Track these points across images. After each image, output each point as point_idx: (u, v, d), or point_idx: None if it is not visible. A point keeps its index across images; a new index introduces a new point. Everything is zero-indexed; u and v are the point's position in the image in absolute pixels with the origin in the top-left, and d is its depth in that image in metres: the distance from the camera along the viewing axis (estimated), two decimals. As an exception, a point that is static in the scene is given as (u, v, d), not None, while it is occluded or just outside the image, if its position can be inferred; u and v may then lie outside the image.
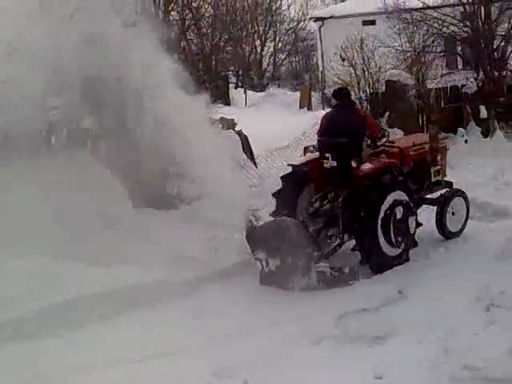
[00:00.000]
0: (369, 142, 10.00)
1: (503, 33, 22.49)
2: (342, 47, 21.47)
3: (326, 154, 9.71)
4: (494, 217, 11.09)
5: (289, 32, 47.26)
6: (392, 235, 9.19)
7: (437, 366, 6.14)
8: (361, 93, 19.23)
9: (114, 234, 9.60)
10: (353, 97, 19.03)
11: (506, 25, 22.47)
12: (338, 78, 20.55)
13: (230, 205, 9.71)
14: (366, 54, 20.16)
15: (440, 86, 21.11)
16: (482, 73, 21.86)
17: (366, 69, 19.63)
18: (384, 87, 19.43)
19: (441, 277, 8.61)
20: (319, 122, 10.51)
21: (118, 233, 9.63)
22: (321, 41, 34.98)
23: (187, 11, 10.09)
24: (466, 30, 22.99)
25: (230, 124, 15.37)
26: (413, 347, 6.54)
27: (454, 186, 10.99)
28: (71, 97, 10.24)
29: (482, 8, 22.57)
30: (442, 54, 23.27)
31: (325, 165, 9.71)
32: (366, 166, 9.37)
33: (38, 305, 7.71)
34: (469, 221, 10.54)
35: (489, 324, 6.91)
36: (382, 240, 9.16)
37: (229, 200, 9.33)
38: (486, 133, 18.86)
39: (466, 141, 18.04)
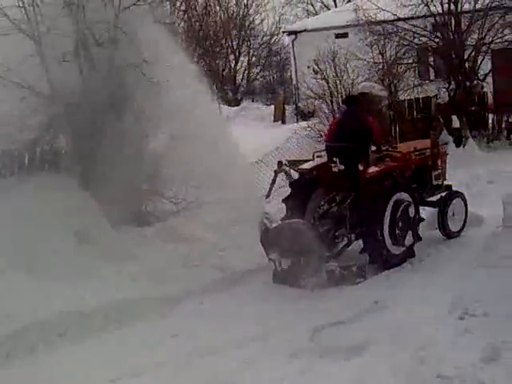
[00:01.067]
0: (374, 147, 10.34)
1: (473, 43, 22.75)
2: (314, 60, 21.62)
3: (334, 159, 10.16)
4: (468, 225, 11.15)
5: (262, 46, 47.42)
6: (397, 234, 9.73)
7: (412, 376, 6.16)
8: (334, 105, 19.32)
9: (90, 251, 9.55)
10: (326, 110, 19.35)
11: (476, 35, 22.73)
12: (311, 91, 20.66)
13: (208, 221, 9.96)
14: (339, 66, 20.28)
15: (412, 96, 21.31)
16: (453, 83, 22.09)
17: (338, 81, 19.75)
18: (357, 100, 19.53)
19: (416, 286, 8.69)
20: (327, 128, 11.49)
21: (94, 251, 9.59)
22: (294, 54, 35.11)
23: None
24: (437, 40, 23.23)
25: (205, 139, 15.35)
26: (388, 358, 6.54)
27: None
28: (46, 117, 10.30)
29: (453, 19, 22.82)
30: (414, 64, 23.51)
31: (333, 169, 10.16)
32: (372, 169, 9.82)
33: (9, 325, 7.64)
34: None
35: (463, 332, 6.92)
36: (387, 239, 9.68)
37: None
38: (459, 142, 18.98)
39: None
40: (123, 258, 9.56)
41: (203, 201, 11.23)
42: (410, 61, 23.42)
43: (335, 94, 19.50)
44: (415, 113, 20.23)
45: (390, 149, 10.72)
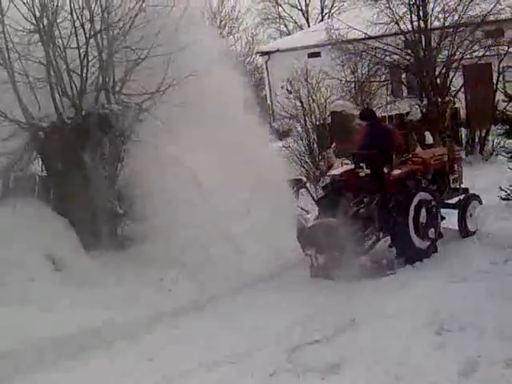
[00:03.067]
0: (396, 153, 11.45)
1: (444, 59, 22.98)
2: (288, 80, 21.69)
3: (361, 164, 11.15)
4: (442, 240, 11.25)
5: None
6: (421, 230, 10.75)
7: (389, 392, 6.20)
8: (308, 124, 19.35)
9: (64, 277, 9.50)
10: (299, 129, 19.39)
11: (447, 51, 22.96)
12: (285, 111, 20.71)
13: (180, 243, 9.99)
14: (312, 85, 20.36)
15: (385, 114, 21.44)
16: (425, 99, 22.27)
17: (312, 101, 19.81)
18: (330, 118, 19.64)
19: (392, 301, 8.74)
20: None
21: (68, 276, 9.53)
22: (268, 74, 35.24)
23: (131, 53, 10.23)
24: (408, 58, 23.44)
25: (178, 161, 15.31)
26: (365, 375, 6.56)
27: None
28: (20, 142, 10.28)
29: (423, 36, 23.06)
30: (386, 82, 23.70)
31: (360, 173, 11.18)
32: (396, 172, 11.03)
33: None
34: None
35: (439, 347, 6.97)
36: (413, 234, 10.71)
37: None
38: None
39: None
40: (97, 283, 9.47)
41: (178, 223, 11.17)
42: (382, 78, 23.61)
43: (309, 113, 19.53)
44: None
45: (411, 155, 11.86)
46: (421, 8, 23.09)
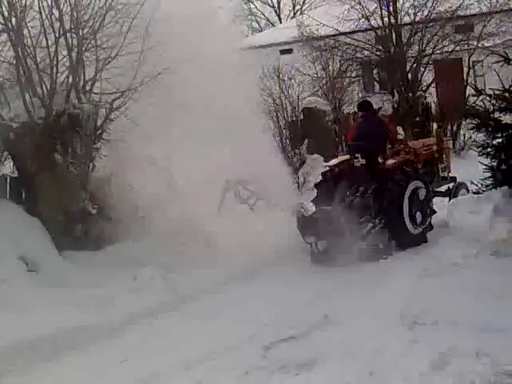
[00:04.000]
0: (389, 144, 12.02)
1: (415, 54, 23.12)
2: (259, 77, 21.67)
3: (356, 155, 11.75)
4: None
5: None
6: (415, 216, 11.22)
7: (362, 388, 6.22)
8: (280, 121, 19.38)
9: (37, 279, 9.46)
10: (272, 126, 19.42)
11: (417, 47, 23.11)
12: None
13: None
14: (284, 82, 20.39)
15: (357, 110, 21.51)
16: (397, 95, 22.40)
17: (284, 97, 19.84)
18: (302, 115, 19.69)
19: (365, 297, 8.76)
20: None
21: (41, 278, 9.48)
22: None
23: (101, 51, 10.13)
24: (379, 54, 23.56)
25: (152, 161, 15.32)
26: (339, 372, 6.54)
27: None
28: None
29: (393, 32, 23.18)
30: (358, 78, 23.80)
31: (355, 164, 11.77)
32: (390, 161, 11.60)
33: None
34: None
35: (412, 342, 6.97)
36: (407, 220, 11.19)
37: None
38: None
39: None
40: (71, 284, 9.44)
41: (152, 224, 11.16)
42: (354, 74, 23.72)
43: (281, 109, 19.55)
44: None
45: (403, 145, 12.44)
46: (391, 4, 23.24)
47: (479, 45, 24.27)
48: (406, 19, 23.67)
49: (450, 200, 12.20)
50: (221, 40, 12.02)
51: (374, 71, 25.69)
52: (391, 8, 23.46)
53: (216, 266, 10.62)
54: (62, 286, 9.33)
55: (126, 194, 11.09)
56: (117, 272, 10.02)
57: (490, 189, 10.41)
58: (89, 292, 9.32)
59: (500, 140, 10.36)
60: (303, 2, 52.55)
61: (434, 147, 13.10)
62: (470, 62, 25.11)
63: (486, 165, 10.93)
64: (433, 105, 22.96)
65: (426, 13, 23.58)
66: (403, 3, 23.58)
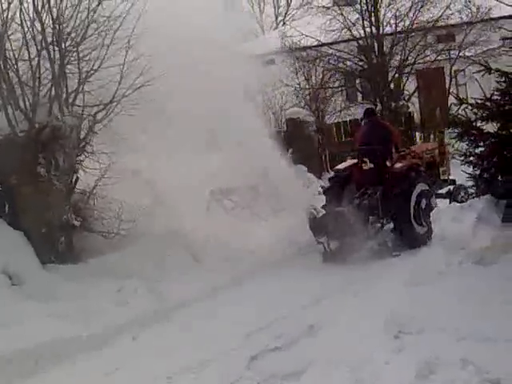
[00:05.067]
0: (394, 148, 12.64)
1: (397, 64, 23.23)
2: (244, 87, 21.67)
3: (364, 159, 12.40)
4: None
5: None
6: (421, 217, 11.79)
7: (348, 398, 6.21)
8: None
9: (21, 292, 9.38)
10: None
11: (399, 56, 23.22)
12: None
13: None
14: (267, 93, 20.43)
15: (340, 120, 21.61)
16: (380, 104, 22.47)
17: (267, 108, 19.86)
18: (285, 126, 19.74)
19: (350, 306, 8.80)
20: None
21: (25, 291, 9.40)
22: (224, 83, 35.12)
23: (83, 64, 10.14)
24: (361, 64, 23.65)
25: (135, 173, 15.30)
26: (326, 381, 6.58)
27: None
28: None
29: (375, 42, 23.29)
30: (340, 88, 23.87)
31: (364, 167, 12.43)
32: (398, 165, 12.26)
33: None
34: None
35: (398, 351, 6.97)
36: (413, 221, 11.81)
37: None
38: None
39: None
40: (54, 297, 9.37)
41: (135, 234, 11.14)
42: (337, 84, 23.79)
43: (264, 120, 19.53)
44: (344, 136, 20.54)
45: (407, 149, 13.21)
46: (373, 14, 23.34)
47: (461, 54, 24.45)
48: (388, 29, 23.79)
49: (450, 202, 12.71)
50: (205, 50, 12.03)
51: (357, 81, 25.77)
52: (373, 18, 23.57)
53: (201, 276, 10.64)
54: (46, 299, 9.25)
55: (109, 206, 11.08)
56: (101, 284, 9.97)
57: (474, 197, 10.44)
58: (73, 304, 9.25)
59: (482, 149, 10.39)
60: (286, 13, 52.76)
61: (436, 151, 13.91)
62: (452, 72, 25.29)
63: (469, 173, 10.97)
64: (415, 114, 23.09)
65: (407, 23, 23.73)
66: (385, 13, 23.69)
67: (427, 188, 12.33)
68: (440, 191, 13.54)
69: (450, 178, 14.09)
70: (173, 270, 10.70)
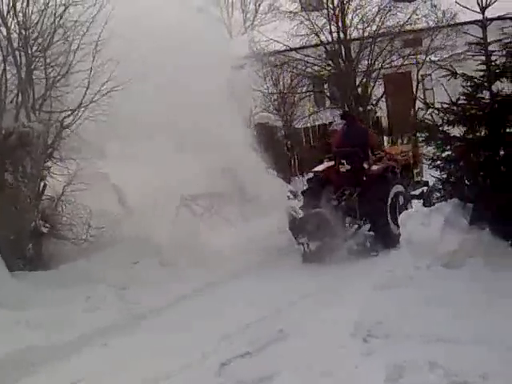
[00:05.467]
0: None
1: (364, 69, 23.34)
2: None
3: (342, 161, 12.71)
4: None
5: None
6: (397, 217, 11.70)
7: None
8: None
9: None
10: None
11: (367, 61, 23.33)
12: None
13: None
14: (237, 98, 20.37)
15: (309, 125, 21.66)
16: (347, 109, 22.53)
17: (237, 113, 19.80)
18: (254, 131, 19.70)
19: (318, 311, 8.80)
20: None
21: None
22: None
23: (50, 69, 10.11)
24: (329, 69, 23.72)
25: (104, 179, 15.21)
26: (295, 386, 6.62)
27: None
28: None
29: (343, 47, 23.38)
30: (308, 93, 23.92)
31: (341, 169, 12.74)
32: (375, 167, 12.60)
33: None
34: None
35: (367, 355, 7.00)
36: (390, 221, 12.09)
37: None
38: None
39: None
40: (22, 305, 9.28)
41: (104, 240, 11.08)
42: (304, 89, 23.83)
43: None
44: (312, 141, 20.60)
45: (382, 152, 13.54)
46: (340, 19, 23.42)
47: (427, 59, 24.63)
48: (355, 34, 23.89)
49: (424, 204, 12.85)
50: (173, 55, 12.02)
51: (325, 86, 25.86)
52: (340, 23, 23.64)
53: (171, 282, 10.60)
54: (14, 307, 9.17)
55: (78, 212, 11.02)
56: (70, 291, 9.89)
57: (441, 201, 10.53)
58: (41, 312, 9.17)
59: (449, 153, 10.49)
60: (254, 18, 52.75)
61: (410, 153, 14.26)
62: (419, 76, 25.45)
63: (436, 177, 11.07)
64: (383, 119, 23.20)
65: (374, 28, 23.85)
66: (352, 18, 23.78)
67: (403, 189, 12.70)
68: (413, 192, 13.81)
69: (423, 179, 14.39)
70: (142, 276, 10.67)
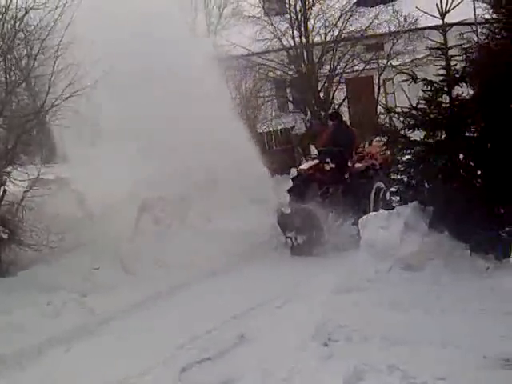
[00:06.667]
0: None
1: (327, 73, 23.49)
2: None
3: (327, 159, 13.51)
4: (331, 251, 11.59)
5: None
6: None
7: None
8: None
9: None
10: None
11: (329, 66, 23.48)
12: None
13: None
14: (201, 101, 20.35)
15: (271, 128, 21.73)
16: (309, 113, 22.67)
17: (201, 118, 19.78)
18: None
19: (280, 316, 8.88)
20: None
21: None
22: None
23: (11, 73, 10.01)
24: (291, 73, 23.84)
25: (64, 184, 15.11)
26: (255, 390, 6.62)
27: None
28: None
29: (305, 51, 23.51)
30: (271, 97, 24.00)
31: (326, 167, 13.56)
32: (358, 165, 13.64)
33: None
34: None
35: (327, 358, 7.01)
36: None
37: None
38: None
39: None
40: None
41: (65, 246, 10.99)
42: (267, 94, 23.91)
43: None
44: (274, 145, 20.66)
45: (362, 150, 14.49)
46: (302, 24, 23.56)
47: (389, 63, 24.86)
48: (318, 39, 24.04)
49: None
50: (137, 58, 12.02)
51: (288, 90, 25.98)
52: (302, 28, 23.80)
53: (131, 288, 10.55)
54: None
55: (38, 218, 10.92)
56: (30, 298, 9.75)
57: (401, 204, 10.61)
58: (2, 319, 9.03)
59: (409, 156, 10.58)
60: (217, 23, 52.77)
61: (388, 152, 14.04)
62: (381, 81, 25.66)
63: (397, 180, 11.16)
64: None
65: (336, 32, 24.02)
66: (314, 23, 23.95)
67: (383, 186, 13.41)
68: (392, 189, 14.14)
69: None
70: (103, 281, 10.60)
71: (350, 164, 13.60)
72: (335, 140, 13.91)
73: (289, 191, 13.77)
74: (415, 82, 10.48)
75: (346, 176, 13.64)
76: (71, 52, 10.78)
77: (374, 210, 12.29)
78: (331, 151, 13.68)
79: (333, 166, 13.56)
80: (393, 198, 12.54)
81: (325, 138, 14.56)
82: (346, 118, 23.37)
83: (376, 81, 25.90)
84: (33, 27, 10.77)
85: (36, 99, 10.86)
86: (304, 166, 14.29)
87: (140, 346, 8.28)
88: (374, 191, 13.27)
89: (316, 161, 14.01)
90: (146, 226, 12.98)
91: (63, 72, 10.66)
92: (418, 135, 10.53)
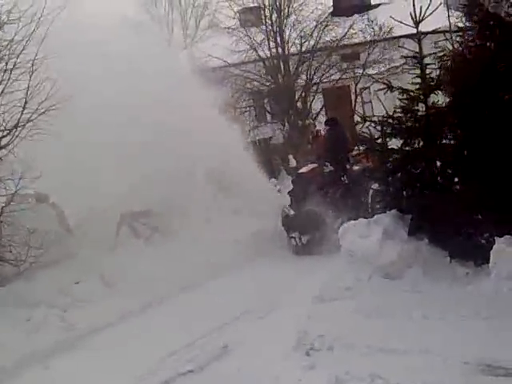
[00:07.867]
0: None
1: (303, 84, 23.57)
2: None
3: (326, 163, 14.33)
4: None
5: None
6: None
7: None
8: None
9: None
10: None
11: (305, 76, 23.57)
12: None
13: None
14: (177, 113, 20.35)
15: (249, 139, 21.74)
16: (287, 124, 22.74)
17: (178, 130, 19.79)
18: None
19: (261, 324, 8.92)
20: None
21: None
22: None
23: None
24: (268, 84, 23.90)
25: (43, 198, 15.04)
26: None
27: None
28: None
29: (282, 62, 23.60)
30: (248, 108, 24.04)
31: (324, 170, 14.33)
32: (356, 167, 14.18)
33: None
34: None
35: (309, 368, 7.02)
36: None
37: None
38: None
39: (279, 190, 18.52)
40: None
41: (44, 261, 10.91)
42: (244, 105, 23.95)
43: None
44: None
45: (359, 153, 14.28)
46: (278, 35, 23.65)
47: (365, 72, 24.99)
48: (294, 49, 24.14)
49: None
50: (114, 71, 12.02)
51: (265, 101, 26.02)
52: (278, 39, 23.91)
53: (112, 302, 10.45)
54: None
55: (17, 233, 10.85)
56: (8, 313, 9.67)
57: (380, 212, 10.64)
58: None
59: (387, 164, 10.63)
60: (194, 34, 52.81)
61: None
62: (357, 90, 25.79)
63: (376, 189, 11.23)
64: (322, 132, 23.39)
65: (312, 42, 24.12)
66: (290, 34, 24.06)
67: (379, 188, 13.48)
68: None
69: None
70: (83, 296, 10.52)
71: (347, 167, 14.30)
72: (333, 144, 14.57)
73: (289, 193, 14.51)
74: (391, 91, 10.55)
75: (344, 178, 14.31)
76: (47, 66, 10.73)
77: (372, 210, 12.53)
78: (330, 155, 14.38)
79: (331, 168, 14.29)
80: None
81: (321, 142, 15.38)
82: (323, 127, 23.59)
83: (353, 90, 26.03)
84: (7, 42, 10.71)
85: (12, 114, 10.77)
86: (303, 169, 14.91)
87: (122, 360, 8.21)
88: (370, 192, 13.46)
89: (315, 164, 14.64)
90: (126, 239, 12.93)
91: (38, 87, 10.60)
92: (395, 143, 10.58)
